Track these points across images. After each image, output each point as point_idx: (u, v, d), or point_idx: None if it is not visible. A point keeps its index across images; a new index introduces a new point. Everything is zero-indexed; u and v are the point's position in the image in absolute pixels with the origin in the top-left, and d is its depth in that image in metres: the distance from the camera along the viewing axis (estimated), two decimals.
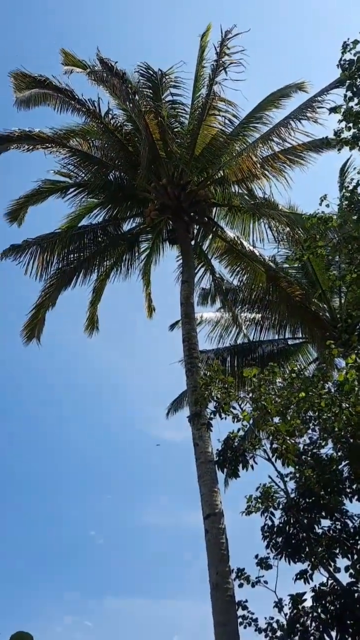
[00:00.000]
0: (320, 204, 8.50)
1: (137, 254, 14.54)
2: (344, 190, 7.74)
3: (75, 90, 12.49)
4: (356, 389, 7.04)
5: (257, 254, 14.00)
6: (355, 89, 7.50)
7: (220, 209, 13.92)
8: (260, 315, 15.88)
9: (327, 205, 8.56)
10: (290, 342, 15.85)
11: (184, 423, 10.22)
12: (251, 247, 13.86)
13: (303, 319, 14.48)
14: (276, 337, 15.82)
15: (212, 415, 9.11)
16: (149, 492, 28.02)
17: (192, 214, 13.26)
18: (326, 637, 6.59)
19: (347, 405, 7.17)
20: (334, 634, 6.54)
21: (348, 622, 6.62)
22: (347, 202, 7.49)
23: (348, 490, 8.08)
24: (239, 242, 13.81)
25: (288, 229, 12.64)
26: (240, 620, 7.98)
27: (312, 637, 6.61)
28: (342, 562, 7.42)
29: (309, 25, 31.74)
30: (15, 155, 12.75)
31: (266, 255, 14.02)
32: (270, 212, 13.05)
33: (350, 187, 7.71)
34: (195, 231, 13.90)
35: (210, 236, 14.22)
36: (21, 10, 30.46)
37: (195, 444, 9.74)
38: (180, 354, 11.63)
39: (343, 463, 8.31)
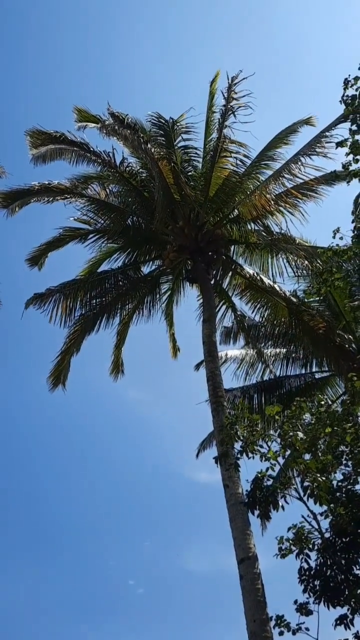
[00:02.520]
0: (334, 237, 8.54)
1: (158, 296, 14.72)
2: (356, 222, 7.77)
3: (90, 143, 13.02)
4: None
5: (278, 288, 14.02)
6: (359, 123, 7.64)
7: (238, 246, 14.08)
8: (285, 349, 15.77)
9: (341, 238, 8.59)
10: (317, 375, 15.63)
11: (216, 465, 10.05)
12: (271, 282, 13.91)
13: (328, 351, 14.30)
14: (303, 371, 15.66)
15: (239, 455, 8.96)
16: (189, 537, 27.30)
17: (209, 252, 13.44)
18: None
19: None
20: None
21: None
22: (357, 235, 7.53)
23: None
24: (258, 278, 13.88)
25: (307, 261, 12.69)
26: None
27: None
28: None
29: (311, 59, 32.61)
30: (36, 207, 13.26)
31: (286, 290, 14.03)
32: (287, 247, 13.14)
33: None
34: (215, 270, 14.04)
35: (230, 274, 14.34)
36: (31, 69, 32.19)
37: (225, 485, 9.57)
38: (206, 393, 11.60)
39: None
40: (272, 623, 8.03)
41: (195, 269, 13.30)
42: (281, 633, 7.93)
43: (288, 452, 8.68)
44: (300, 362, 15.82)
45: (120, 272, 13.98)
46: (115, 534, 27.26)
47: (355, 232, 7.58)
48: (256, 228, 13.84)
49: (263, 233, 13.76)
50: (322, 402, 9.66)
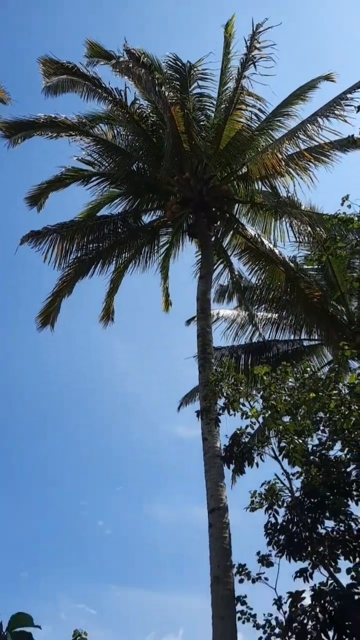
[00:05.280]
0: (342, 204, 8.40)
1: (156, 248, 14.56)
2: None
3: (102, 79, 12.54)
4: None
5: (277, 253, 13.90)
6: None
7: (242, 205, 13.86)
8: (276, 315, 15.80)
9: (349, 206, 8.45)
10: (305, 343, 15.74)
11: (196, 420, 10.23)
12: (271, 246, 13.77)
13: (320, 320, 14.35)
14: (292, 337, 15.75)
15: (220, 411, 9.11)
16: (159, 487, 28.12)
17: (213, 208, 13.22)
18: (324, 637, 6.53)
19: (357, 407, 7.09)
20: (331, 633, 6.48)
21: (347, 623, 6.55)
22: None
23: (355, 493, 7.98)
24: (259, 240, 13.73)
25: (309, 228, 12.52)
26: (238, 615, 7.97)
27: (309, 636, 6.56)
28: (343, 563, 7.36)
29: (338, 17, 31.36)
30: (39, 143, 12.86)
31: (286, 255, 13.93)
32: (292, 211, 12.93)
33: None
34: (216, 227, 13.86)
35: (231, 233, 14.17)
36: (45, 6, 30.66)
37: (204, 438, 9.73)
38: (194, 350, 11.64)
39: (352, 466, 8.22)
40: (234, 571, 8.39)
41: (197, 224, 13.10)
42: (241, 581, 8.33)
43: (269, 413, 8.84)
44: (291, 328, 15.91)
45: (120, 219, 13.74)
46: (89, 477, 28.03)
47: None
48: (263, 189, 13.60)
49: (269, 194, 13.55)
50: (308, 369, 9.80)
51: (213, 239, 13.67)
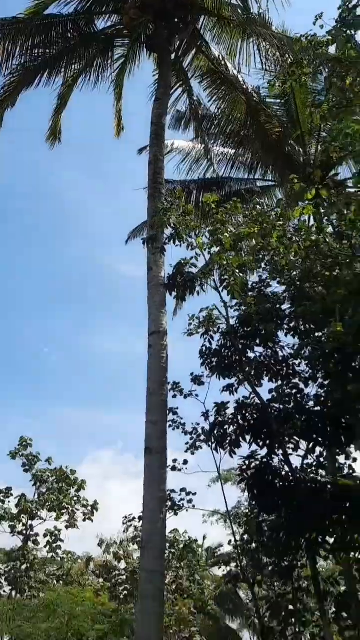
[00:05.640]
0: (315, 24, 7.63)
1: (110, 61, 13.11)
2: (342, 8, 6.84)
3: None
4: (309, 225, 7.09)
5: (241, 80, 12.96)
6: None
7: (208, 20, 12.46)
8: (233, 151, 15.29)
9: (322, 27, 7.68)
10: (259, 184, 15.53)
11: (143, 257, 10.20)
12: (235, 72, 12.76)
13: (276, 160, 14.06)
14: (246, 176, 15.46)
15: (167, 241, 9.17)
16: (103, 319, 29.23)
17: (176, 19, 11.84)
18: (242, 440, 7.52)
19: (297, 238, 7.29)
20: (248, 437, 7.46)
21: (263, 430, 7.51)
22: (341, 21, 6.68)
23: (286, 326, 8.59)
24: (223, 62, 12.65)
25: (278, 54, 11.58)
26: (170, 423, 8.95)
27: (229, 439, 7.54)
28: (267, 385, 8.21)
29: None
30: None
31: (250, 85, 13.04)
32: (261, 31, 11.80)
33: (351, 4, 6.84)
34: (178, 42, 12.53)
35: (193, 52, 12.94)
36: None
37: (149, 268, 9.87)
38: (145, 181, 11.20)
39: (287, 303, 8.70)
40: (169, 387, 9.20)
41: (157, 35, 11.79)
42: (174, 396, 9.23)
43: (214, 249, 8.99)
44: (246, 168, 15.55)
45: (71, 21, 12.10)
46: (35, 304, 28.60)
47: (340, 18, 6.74)
48: (233, 1, 12.18)
49: (239, 9, 12.17)
50: (258, 206, 9.80)
51: (173, 56, 12.46)
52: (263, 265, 8.95)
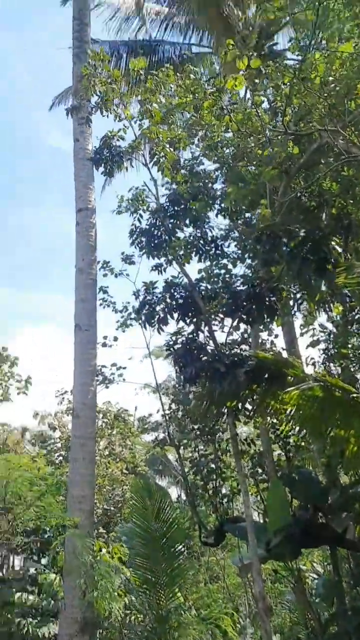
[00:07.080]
0: None
1: None
2: None
3: None
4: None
5: None
6: None
7: None
8: (167, 9, 13.95)
9: None
10: (194, 49, 14.48)
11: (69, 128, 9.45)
12: None
13: (212, 22, 12.97)
14: (181, 40, 14.31)
15: (92, 111, 8.52)
16: (32, 195, 27.70)
17: None
18: (169, 318, 7.74)
19: (231, 111, 6.98)
20: (175, 315, 7.68)
21: (190, 309, 7.73)
22: None
23: (217, 207, 8.49)
24: None
25: None
26: (100, 301, 9.01)
27: (157, 317, 7.75)
28: (197, 265, 8.29)
29: None
30: None
31: None
32: None
33: None
34: None
35: None
36: None
37: (75, 139, 9.28)
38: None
39: (218, 183, 8.53)
40: (99, 266, 9.12)
41: None
42: (105, 275, 9.18)
43: (145, 122, 8.48)
44: (181, 30, 14.35)
45: None
46: None
47: None
48: None
49: None
50: (192, 75, 9.15)
51: None
52: (196, 141, 8.60)
